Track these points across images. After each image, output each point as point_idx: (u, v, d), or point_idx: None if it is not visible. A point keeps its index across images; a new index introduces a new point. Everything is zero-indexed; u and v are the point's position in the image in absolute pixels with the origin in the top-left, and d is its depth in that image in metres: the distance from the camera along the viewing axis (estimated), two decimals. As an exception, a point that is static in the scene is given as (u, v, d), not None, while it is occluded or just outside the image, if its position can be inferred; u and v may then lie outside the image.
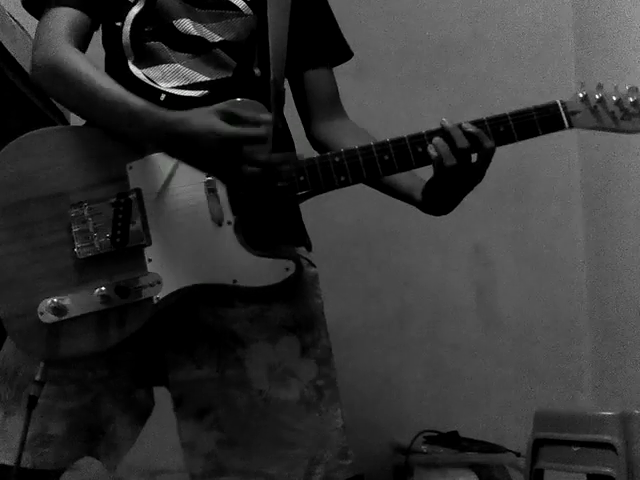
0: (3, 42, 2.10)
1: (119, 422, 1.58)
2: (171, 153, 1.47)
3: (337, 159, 1.48)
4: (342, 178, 1.48)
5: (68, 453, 1.55)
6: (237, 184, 1.46)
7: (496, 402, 3.26)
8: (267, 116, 1.46)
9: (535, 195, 3.43)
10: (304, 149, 1.68)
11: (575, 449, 2.17)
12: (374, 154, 1.48)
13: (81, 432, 1.55)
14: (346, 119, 1.76)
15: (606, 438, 2.05)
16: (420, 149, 1.48)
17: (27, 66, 2.14)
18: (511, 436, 2.89)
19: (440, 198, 1.55)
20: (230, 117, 1.43)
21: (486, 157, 1.48)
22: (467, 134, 1.46)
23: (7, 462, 1.50)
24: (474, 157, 1.49)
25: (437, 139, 1.46)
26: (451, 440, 2.94)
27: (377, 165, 1.48)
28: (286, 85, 1.66)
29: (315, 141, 1.73)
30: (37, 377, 1.45)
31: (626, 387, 3.02)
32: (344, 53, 1.77)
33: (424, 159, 1.48)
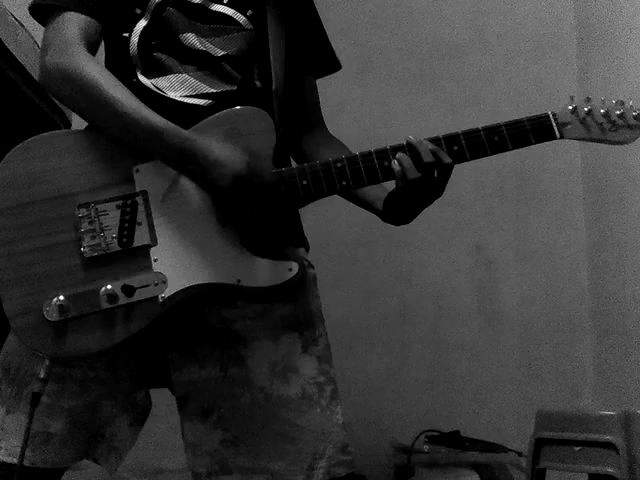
0: (5, 42, 2.10)
1: (118, 424, 1.58)
2: (184, 173, 1.49)
3: (339, 164, 1.50)
4: (344, 183, 1.50)
5: (68, 452, 1.55)
6: (242, 211, 1.48)
7: (498, 402, 3.26)
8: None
9: (536, 194, 3.43)
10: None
11: (577, 449, 2.17)
12: (374, 160, 1.51)
13: (81, 432, 1.56)
14: (324, 131, 1.78)
15: (608, 438, 2.06)
16: (386, 163, 1.51)
17: (30, 66, 2.15)
18: (513, 436, 2.90)
19: (400, 210, 1.58)
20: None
21: (445, 173, 1.51)
22: (430, 150, 1.49)
23: (7, 460, 1.51)
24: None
25: (400, 154, 1.50)
26: (453, 440, 2.94)
27: (377, 170, 1.51)
28: None
29: (296, 154, 1.75)
30: (41, 375, 1.45)
31: (627, 387, 3.02)
32: (330, 65, 1.79)
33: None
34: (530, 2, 3.52)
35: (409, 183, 1.49)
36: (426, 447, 2.93)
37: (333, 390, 1.57)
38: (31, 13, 1.62)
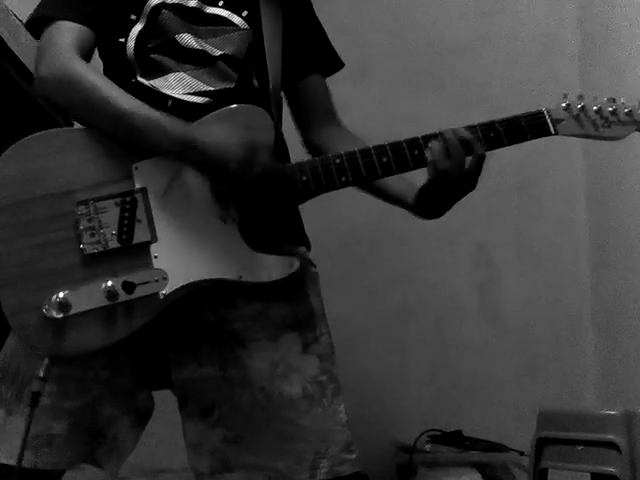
0: (7, 42, 2.10)
1: (121, 425, 1.59)
2: (187, 162, 1.50)
3: (338, 160, 1.52)
4: (343, 179, 1.51)
5: (70, 454, 1.55)
6: (246, 195, 1.49)
7: (499, 401, 3.26)
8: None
9: (538, 194, 3.43)
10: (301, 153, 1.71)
11: (579, 448, 2.17)
12: (373, 156, 1.52)
13: (82, 433, 1.56)
14: (341, 127, 1.80)
15: (610, 437, 2.06)
16: (417, 152, 1.53)
17: (32, 66, 2.15)
18: (515, 435, 2.89)
19: (433, 202, 1.60)
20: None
21: (478, 163, 1.53)
22: (460, 139, 1.51)
23: (7, 462, 1.51)
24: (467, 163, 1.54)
25: (433, 143, 1.52)
26: (455, 439, 2.94)
27: (376, 166, 1.52)
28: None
29: (312, 149, 1.77)
30: (40, 373, 1.44)
31: (630, 386, 3.02)
32: (335, 63, 1.81)
33: (420, 162, 1.54)
34: (533, 2, 3.52)
35: (440, 173, 1.51)
36: (428, 447, 2.92)
37: (335, 389, 1.58)
38: (28, 29, 1.64)
